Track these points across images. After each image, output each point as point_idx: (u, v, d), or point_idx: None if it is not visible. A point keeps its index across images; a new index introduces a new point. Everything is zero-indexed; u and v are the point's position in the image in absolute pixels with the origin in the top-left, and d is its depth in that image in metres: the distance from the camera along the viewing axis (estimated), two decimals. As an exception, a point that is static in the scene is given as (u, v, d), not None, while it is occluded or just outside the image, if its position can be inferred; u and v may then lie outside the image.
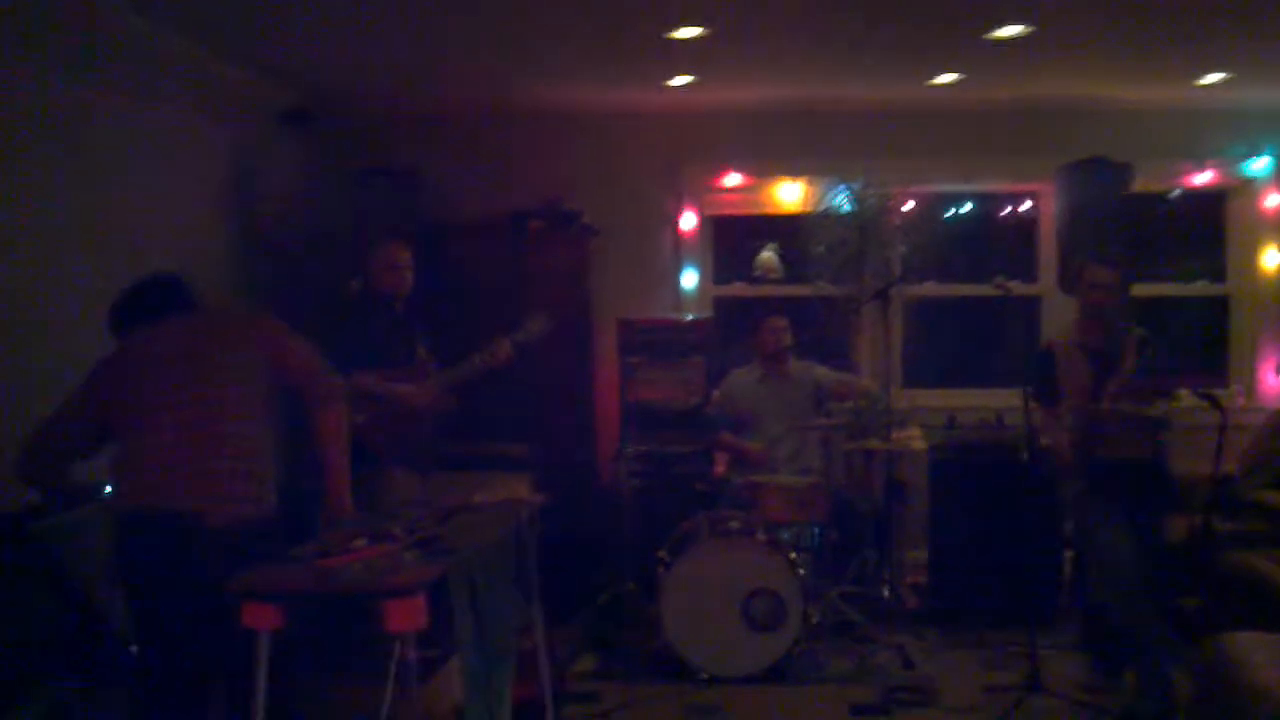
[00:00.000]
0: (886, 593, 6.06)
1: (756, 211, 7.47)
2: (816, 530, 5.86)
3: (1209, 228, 7.56)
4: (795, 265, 7.27)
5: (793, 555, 5.46)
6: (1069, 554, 6.22)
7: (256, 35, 5.51)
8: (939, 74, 6.37)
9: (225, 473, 3.50)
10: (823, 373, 6.57)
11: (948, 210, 7.39)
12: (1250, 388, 7.26)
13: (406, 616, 3.12)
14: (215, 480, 3.48)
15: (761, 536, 5.46)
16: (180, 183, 5.56)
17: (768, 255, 7.39)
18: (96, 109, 4.86)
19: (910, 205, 7.14)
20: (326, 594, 3.19)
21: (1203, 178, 7.28)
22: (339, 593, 3.18)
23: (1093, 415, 4.93)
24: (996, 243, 7.64)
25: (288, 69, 6.23)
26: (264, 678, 3.09)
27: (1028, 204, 7.51)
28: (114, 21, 4.84)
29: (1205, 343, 7.61)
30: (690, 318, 6.99)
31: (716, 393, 6.55)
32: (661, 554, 5.57)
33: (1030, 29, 5.42)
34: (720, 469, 6.42)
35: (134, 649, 3.63)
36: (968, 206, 7.52)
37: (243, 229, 6.19)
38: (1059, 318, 7.05)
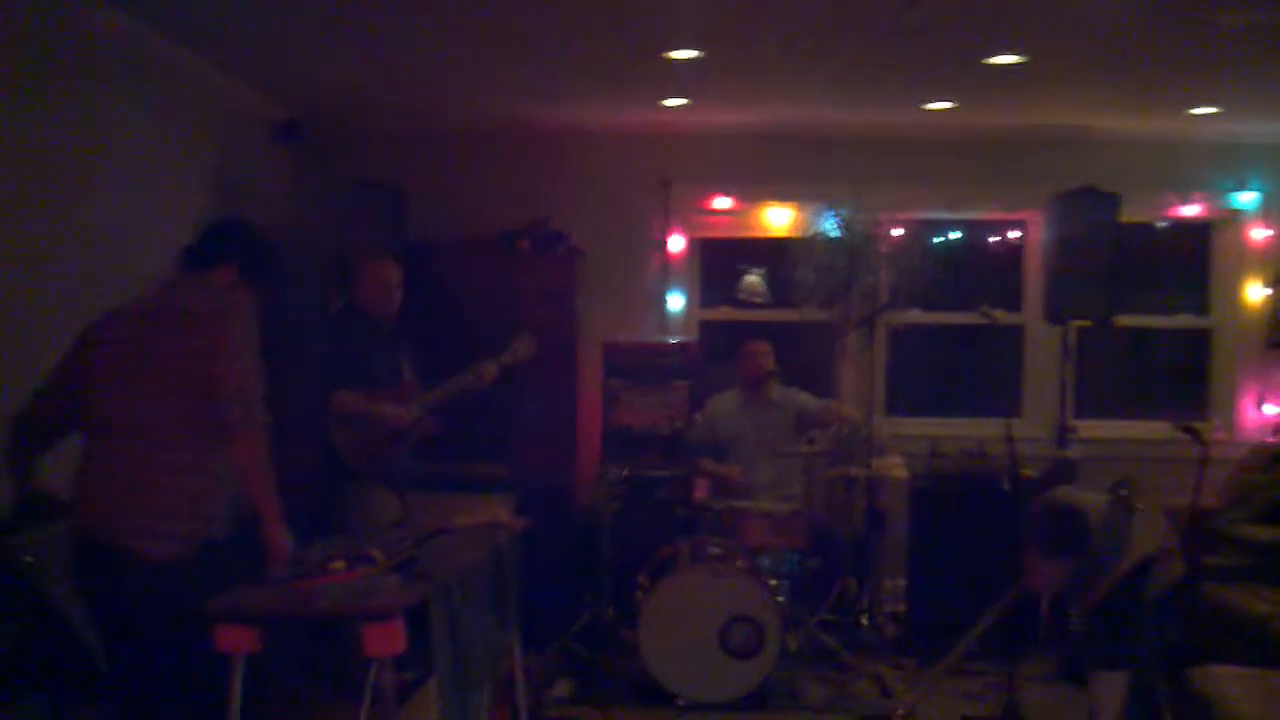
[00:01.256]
0: (865, 621, 6.06)
1: (745, 235, 7.46)
2: (796, 557, 5.83)
3: (1194, 260, 7.58)
4: (782, 290, 7.26)
5: (772, 582, 5.46)
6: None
7: (250, 47, 5.51)
8: (932, 101, 6.39)
9: (155, 507, 3.31)
10: (805, 399, 6.56)
11: (936, 237, 7.40)
12: (1230, 422, 7.26)
13: (385, 640, 3.11)
14: (144, 515, 3.30)
15: (741, 563, 5.45)
16: (166, 193, 5.51)
17: (753, 278, 7.37)
18: (78, 112, 4.78)
19: (898, 232, 7.14)
20: (304, 617, 3.18)
21: (1190, 210, 7.31)
22: (317, 616, 3.16)
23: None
24: (983, 271, 7.64)
25: (279, 82, 6.23)
26: (237, 701, 3.06)
27: (1016, 233, 7.52)
28: (97, 22, 4.81)
29: (1187, 375, 7.63)
30: (675, 341, 6.97)
31: (698, 417, 6.54)
32: (641, 579, 5.56)
33: (1024, 58, 5.44)
34: (700, 494, 6.40)
35: (104, 666, 3.60)
36: (956, 234, 7.52)
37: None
38: (1042, 348, 7.08)
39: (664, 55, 5.46)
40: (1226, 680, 4.08)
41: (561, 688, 5.45)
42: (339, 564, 3.34)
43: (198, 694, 3.16)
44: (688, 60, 5.52)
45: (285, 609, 3.14)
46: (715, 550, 5.51)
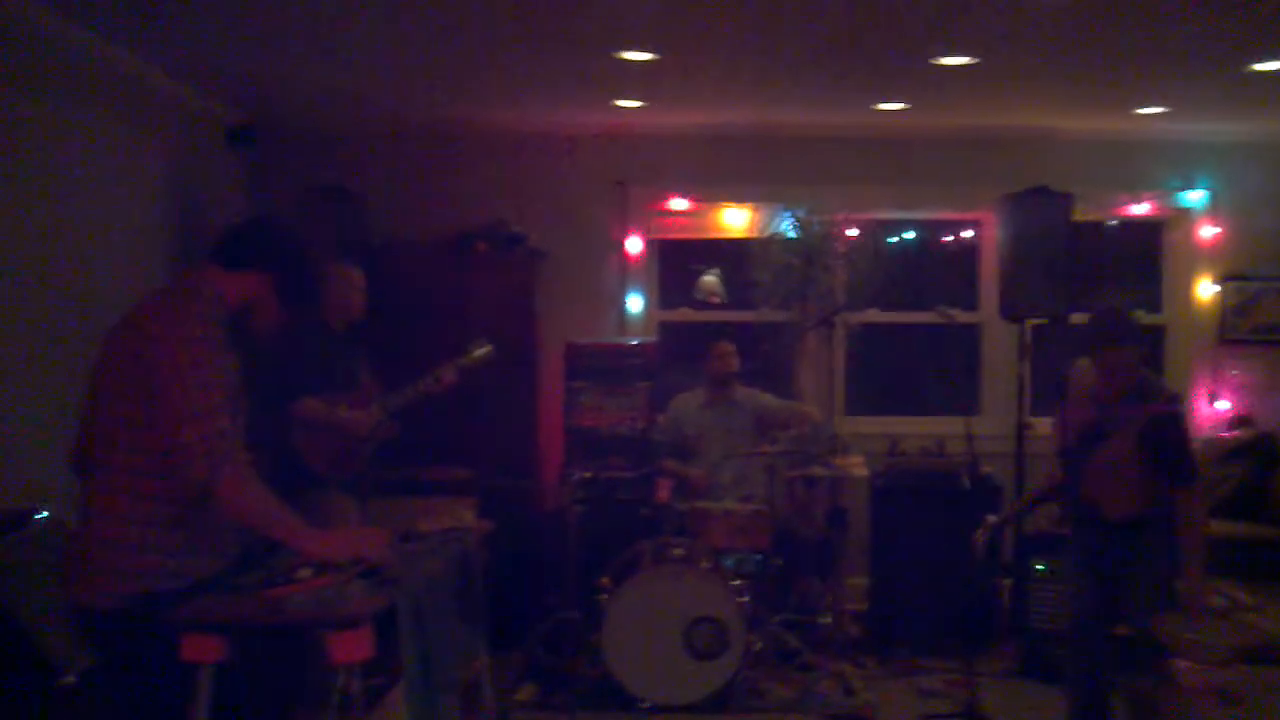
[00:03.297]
0: (828, 620, 6.07)
1: (702, 236, 7.47)
2: (759, 557, 5.85)
3: (1146, 258, 7.67)
4: (739, 291, 7.28)
5: (735, 583, 5.46)
6: (1007, 581, 6.28)
7: (202, 51, 5.45)
8: (885, 102, 6.43)
9: (92, 561, 3.02)
10: (768, 400, 6.59)
11: (891, 237, 7.44)
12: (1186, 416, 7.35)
13: (352, 647, 3.08)
14: (81, 565, 3.04)
15: (704, 564, 5.45)
16: (117, 200, 5.44)
17: (710, 279, 7.40)
18: (26, 119, 4.68)
19: (854, 232, 7.18)
20: (271, 625, 3.13)
21: (1140, 208, 7.40)
22: (284, 624, 3.12)
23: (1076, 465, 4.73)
24: (938, 271, 7.70)
25: (233, 86, 6.17)
26: (205, 711, 3.02)
27: (970, 232, 7.57)
28: (45, 29, 4.74)
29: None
30: (636, 342, 6.98)
31: (662, 418, 6.54)
32: (604, 581, 5.54)
33: (975, 60, 5.48)
34: (664, 495, 6.40)
35: (68, 679, 3.54)
36: (911, 234, 7.57)
37: (184, 247, 6.07)
38: (999, 346, 7.15)
39: (617, 56, 5.45)
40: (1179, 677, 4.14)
41: (526, 692, 5.45)
42: (305, 571, 3.30)
43: (164, 709, 3.10)
44: (641, 62, 5.52)
45: (252, 618, 3.09)
46: (678, 551, 5.50)
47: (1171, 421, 4.48)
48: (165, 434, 2.93)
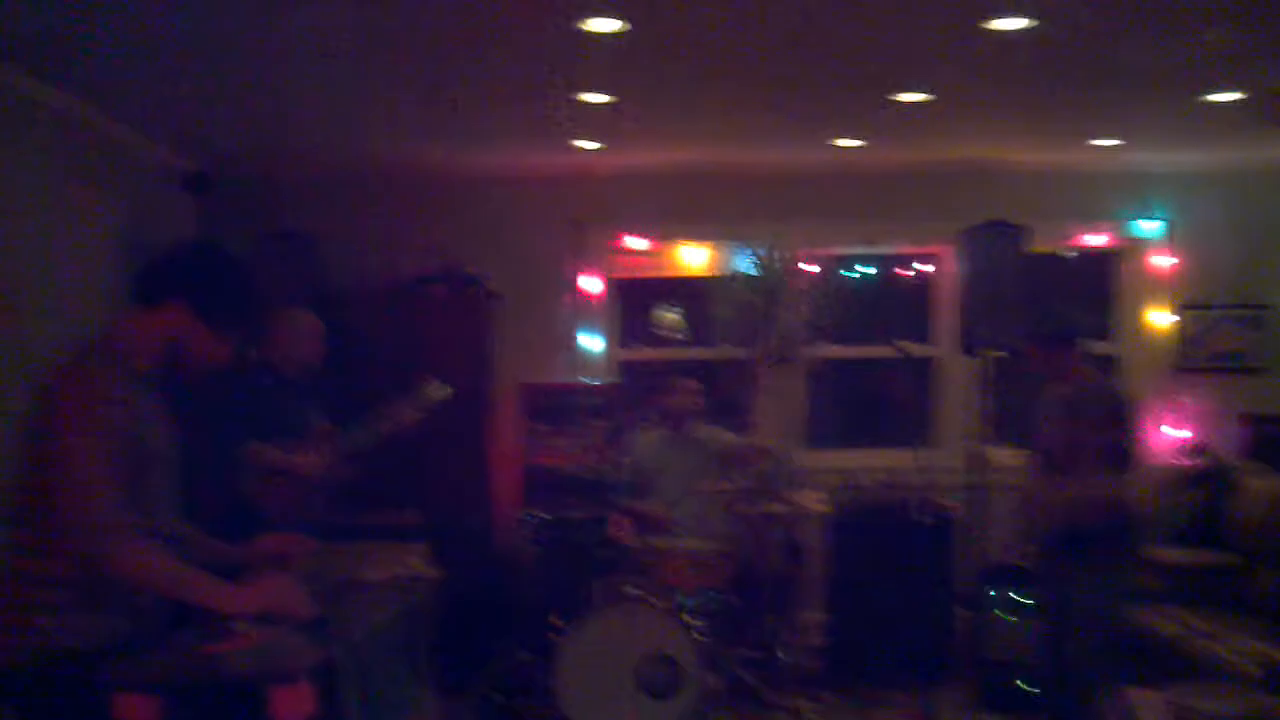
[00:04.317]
0: (784, 656, 6.06)
1: (661, 275, 7.48)
2: (716, 595, 5.83)
3: (1103, 288, 7.71)
4: (699, 328, 7.30)
5: (690, 620, 5.43)
6: (963, 613, 6.30)
7: (152, 99, 5.45)
8: (842, 137, 6.47)
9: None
10: (728, 437, 6.59)
11: (850, 272, 7.47)
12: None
13: (293, 703, 3.03)
14: None
15: (659, 602, 5.42)
16: (68, 251, 5.39)
17: (668, 314, 7.41)
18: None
19: (813, 268, 7.21)
20: (207, 682, 3.08)
21: (1096, 239, 7.44)
22: (221, 681, 3.07)
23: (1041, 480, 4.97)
24: (897, 305, 7.71)
25: (185, 134, 6.17)
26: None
27: (928, 266, 7.60)
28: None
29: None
30: (599, 382, 6.98)
31: (628, 459, 6.53)
32: (557, 622, 5.52)
33: (932, 95, 5.51)
34: (622, 534, 6.37)
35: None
36: (870, 269, 7.58)
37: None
38: (955, 379, 7.17)
39: (575, 97, 5.48)
40: (1137, 706, 4.13)
41: (478, 735, 5.41)
42: (243, 625, 3.26)
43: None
44: (599, 103, 5.55)
45: (187, 675, 3.03)
46: (632, 590, 5.49)
47: (1120, 406, 4.85)
48: (51, 505, 2.86)
